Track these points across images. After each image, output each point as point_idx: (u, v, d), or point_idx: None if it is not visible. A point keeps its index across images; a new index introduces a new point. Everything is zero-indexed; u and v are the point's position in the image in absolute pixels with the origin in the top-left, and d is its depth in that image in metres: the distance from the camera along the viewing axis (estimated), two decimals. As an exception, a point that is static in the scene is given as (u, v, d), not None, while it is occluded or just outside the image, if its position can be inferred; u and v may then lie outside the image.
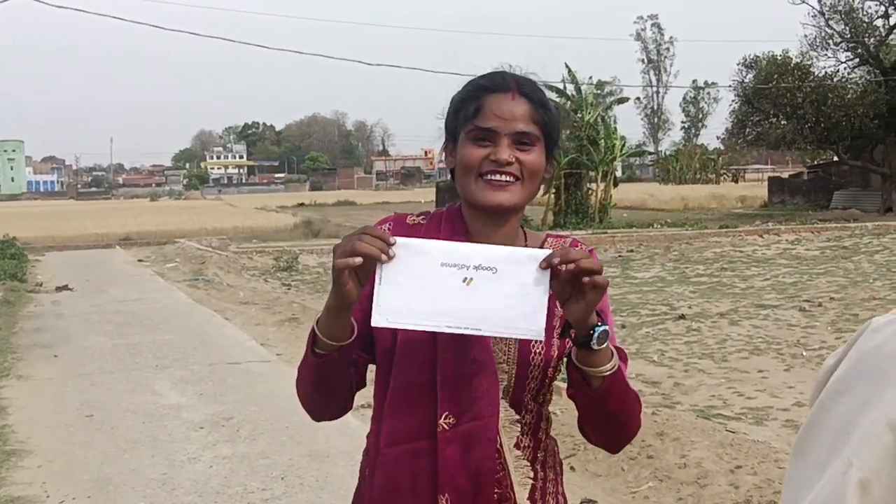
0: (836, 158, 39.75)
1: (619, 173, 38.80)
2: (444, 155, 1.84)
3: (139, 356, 9.47)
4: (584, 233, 28.05)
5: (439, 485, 1.67)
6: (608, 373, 1.63)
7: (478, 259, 1.56)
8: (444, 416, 1.67)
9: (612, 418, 1.72)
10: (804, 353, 9.94)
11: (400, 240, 1.57)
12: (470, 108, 1.72)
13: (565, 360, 1.75)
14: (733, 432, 5.96)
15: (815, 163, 48.83)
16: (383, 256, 1.53)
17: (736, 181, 77.01)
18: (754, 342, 10.71)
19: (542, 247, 1.82)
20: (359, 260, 1.51)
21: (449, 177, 1.87)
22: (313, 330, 1.65)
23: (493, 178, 1.70)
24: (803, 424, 0.92)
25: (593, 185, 33.24)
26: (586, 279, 1.52)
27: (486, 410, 1.68)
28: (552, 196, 32.59)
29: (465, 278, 1.55)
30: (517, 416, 1.72)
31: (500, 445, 1.70)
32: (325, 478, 5.39)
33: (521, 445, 1.72)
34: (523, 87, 1.73)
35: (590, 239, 25.92)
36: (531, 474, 1.74)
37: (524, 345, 1.72)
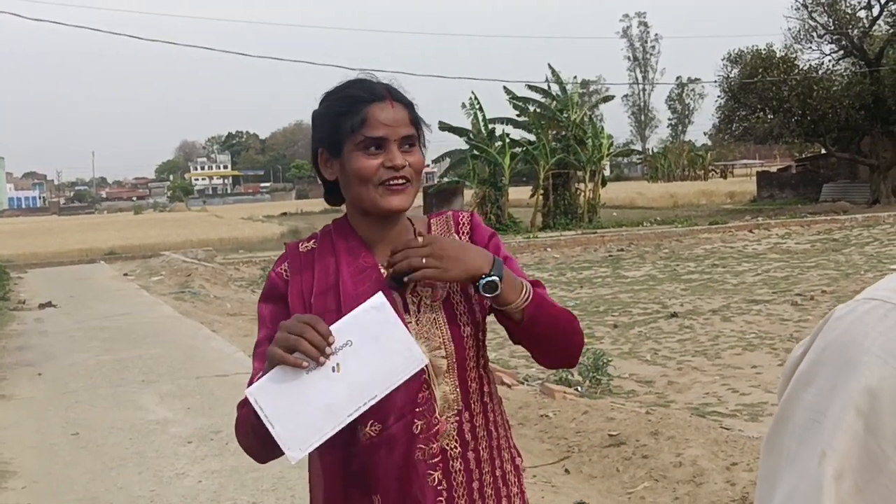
0: (823, 151, 39.82)
1: (607, 172, 38.82)
2: (318, 166, 1.88)
3: (125, 372, 9.34)
4: (573, 233, 28.05)
5: (370, 487, 1.74)
6: (523, 305, 1.73)
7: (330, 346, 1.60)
8: (369, 423, 1.72)
9: (549, 338, 1.80)
10: (797, 348, 9.92)
11: (257, 388, 1.60)
12: (355, 121, 1.77)
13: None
14: (728, 429, 5.89)
15: (803, 156, 48.93)
16: (321, 359, 1.60)
17: (724, 177, 77.20)
18: (747, 338, 10.69)
19: (428, 229, 1.91)
20: (294, 362, 1.59)
21: (323, 188, 1.92)
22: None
23: (392, 183, 1.77)
24: (773, 419, 0.90)
25: (581, 185, 33.24)
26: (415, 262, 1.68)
27: (407, 409, 1.73)
28: (540, 197, 32.59)
29: (333, 368, 1.59)
30: (458, 402, 1.78)
31: (436, 436, 1.75)
32: (315, 490, 5.26)
33: (475, 413, 1.80)
34: (395, 94, 1.81)
35: (579, 239, 25.94)
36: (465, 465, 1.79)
37: (452, 322, 1.79)
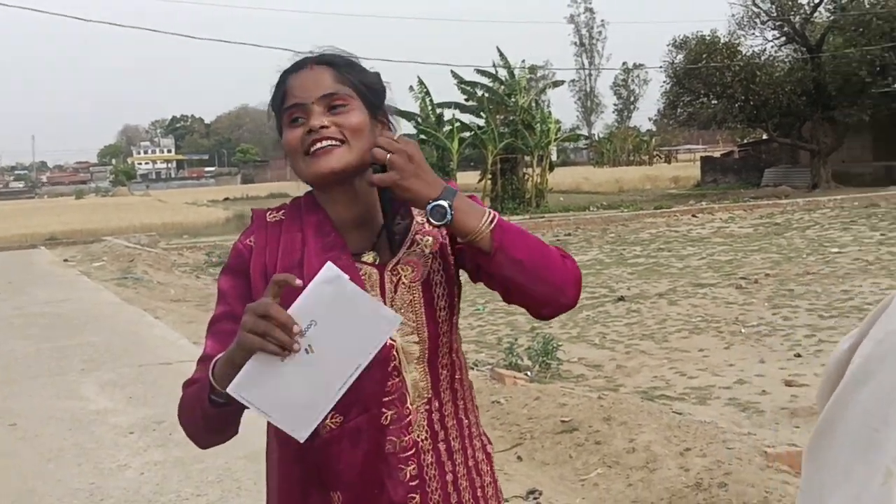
0: (765, 136, 40.37)
1: (554, 157, 38.95)
2: (278, 142, 1.76)
3: (65, 360, 9.08)
4: (521, 218, 28.07)
5: (328, 482, 1.64)
6: (487, 228, 1.58)
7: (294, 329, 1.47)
8: (329, 415, 1.57)
9: (532, 267, 1.60)
10: (743, 331, 10.01)
11: (237, 384, 1.46)
12: (278, 95, 1.71)
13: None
14: (680, 414, 5.89)
15: (746, 141, 49.61)
16: (286, 353, 1.45)
17: (669, 162, 77.99)
18: (694, 321, 10.76)
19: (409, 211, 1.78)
20: (275, 350, 1.45)
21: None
22: (209, 381, 1.55)
23: (315, 148, 1.64)
24: (816, 427, 0.75)
25: (529, 170, 33.30)
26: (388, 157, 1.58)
27: (373, 402, 1.63)
28: (488, 182, 32.59)
29: (305, 350, 1.46)
30: (428, 390, 1.68)
31: (409, 428, 1.65)
32: (262, 480, 5.09)
33: (444, 401, 1.70)
34: (322, 56, 1.71)
35: (527, 223, 25.96)
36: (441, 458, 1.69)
37: (429, 305, 1.68)
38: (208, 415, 1.58)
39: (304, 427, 1.49)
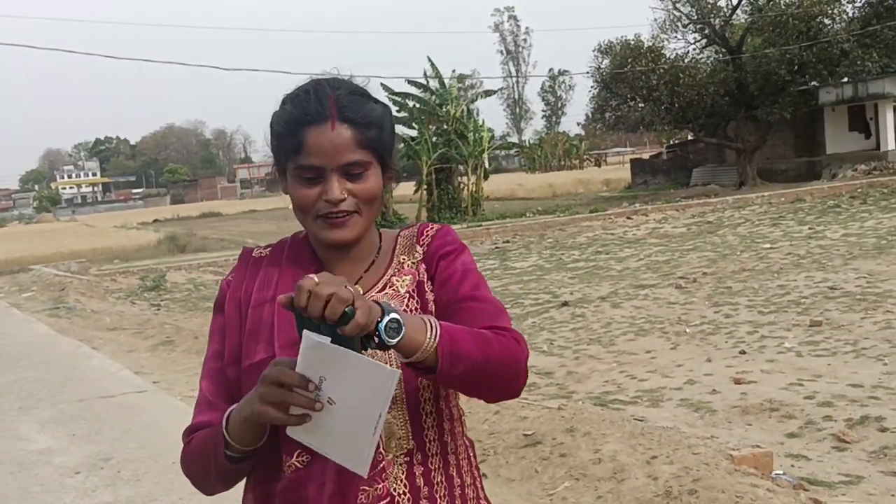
0: (691, 137, 41.11)
1: (486, 165, 39.09)
2: (281, 184, 1.68)
3: (0, 398, 8.70)
4: (459, 227, 28.02)
5: None
6: (433, 343, 1.43)
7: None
8: (295, 454, 1.53)
9: (481, 377, 1.50)
10: (687, 330, 10.10)
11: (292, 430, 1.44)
12: (289, 145, 1.59)
13: None
14: (642, 420, 5.86)
15: (673, 142, 50.47)
16: (317, 406, 1.39)
17: (599, 165, 79.08)
18: (638, 323, 10.82)
19: (396, 241, 1.71)
20: (292, 420, 1.40)
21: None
22: (224, 437, 1.51)
23: (329, 217, 1.59)
24: None
25: (464, 179, 33.35)
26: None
27: None
28: (424, 192, 32.54)
29: (329, 402, 1.39)
30: (408, 439, 1.56)
31: (382, 475, 1.53)
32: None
33: (430, 454, 1.58)
34: (344, 110, 1.57)
35: (465, 232, 25.94)
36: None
37: None
38: (223, 470, 1.55)
39: (361, 463, 1.41)
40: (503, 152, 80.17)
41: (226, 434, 1.51)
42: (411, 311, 1.61)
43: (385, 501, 1.53)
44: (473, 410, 5.94)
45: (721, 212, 25.96)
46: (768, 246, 17.09)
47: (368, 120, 1.59)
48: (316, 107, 1.56)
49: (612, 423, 5.38)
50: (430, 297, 1.64)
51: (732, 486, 4.30)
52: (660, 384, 7.99)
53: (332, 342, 1.35)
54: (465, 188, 33.30)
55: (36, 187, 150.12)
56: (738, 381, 7.75)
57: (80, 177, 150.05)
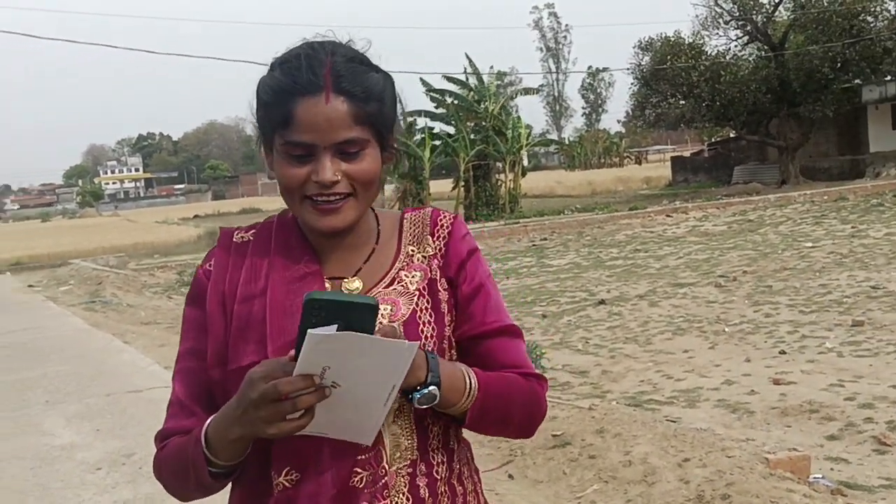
0: (733, 134, 40.59)
1: (525, 162, 38.90)
2: (264, 161, 1.51)
3: (28, 392, 8.69)
4: (496, 224, 27.92)
5: None
6: (466, 406, 1.41)
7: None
8: (284, 472, 1.39)
9: (501, 426, 1.51)
10: (726, 329, 9.89)
11: None
12: (277, 117, 1.40)
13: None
14: (674, 422, 5.67)
15: (714, 140, 49.93)
16: (326, 392, 1.27)
17: (639, 163, 78.47)
18: (676, 322, 10.62)
19: (400, 225, 1.57)
20: (304, 422, 1.28)
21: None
22: (204, 454, 1.37)
23: (320, 201, 1.42)
24: None
25: (502, 176, 33.19)
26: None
27: (340, 455, 1.38)
28: (462, 189, 32.43)
29: (333, 386, 1.27)
30: (413, 450, 1.45)
31: (384, 492, 1.41)
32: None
33: (435, 463, 1.46)
34: (340, 80, 1.39)
35: (502, 230, 25.81)
36: None
37: (411, 338, 1.39)
38: (205, 484, 1.41)
39: (365, 435, 1.34)
40: (542, 150, 79.80)
41: (207, 453, 1.37)
42: (422, 310, 1.47)
43: None
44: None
45: (763, 210, 25.59)
46: (810, 245, 16.79)
47: (368, 92, 1.41)
48: (308, 75, 1.38)
49: (643, 424, 5.20)
50: (442, 296, 1.50)
51: (767, 491, 4.11)
52: (697, 384, 7.80)
53: (339, 328, 1.22)
54: (503, 185, 33.12)
55: (79, 182, 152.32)
56: (777, 382, 7.56)
57: (122, 172, 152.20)
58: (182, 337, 1.53)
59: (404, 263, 1.52)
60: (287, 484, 1.39)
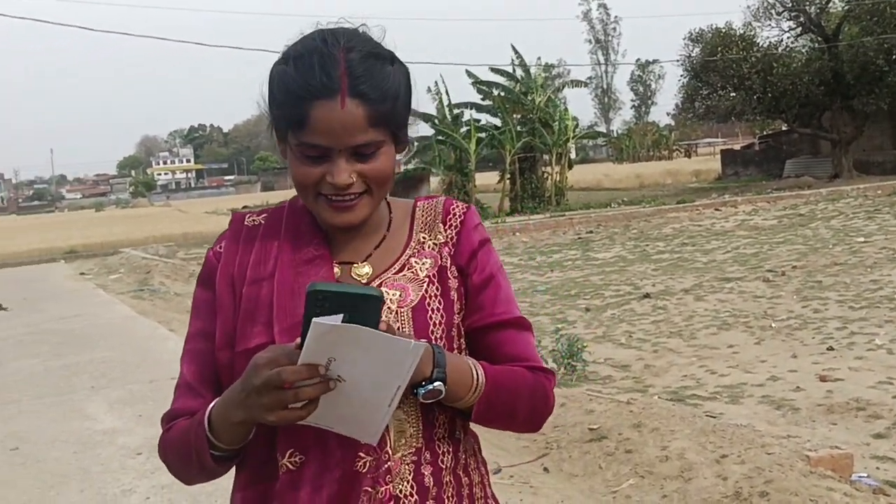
0: (785, 127, 39.98)
1: (573, 155, 38.65)
2: (275, 144, 1.49)
3: (74, 378, 8.87)
4: (541, 216, 27.80)
5: None
6: (472, 400, 1.42)
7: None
8: (287, 453, 1.39)
9: (507, 420, 1.51)
10: (773, 325, 9.73)
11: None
12: (291, 117, 1.39)
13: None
14: (714, 417, 5.58)
15: (766, 133, 49.21)
16: (331, 385, 1.26)
17: (689, 156, 77.65)
18: (722, 317, 10.48)
19: (413, 213, 1.57)
20: (304, 413, 1.28)
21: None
22: (207, 438, 1.38)
23: (335, 199, 1.42)
24: None
25: (548, 169, 33.02)
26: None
27: (345, 442, 1.37)
28: (507, 181, 32.34)
29: (338, 380, 1.27)
30: (418, 437, 1.44)
31: (386, 478, 1.40)
32: None
33: (441, 452, 1.46)
34: (356, 83, 1.37)
35: (547, 222, 25.71)
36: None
37: (421, 335, 1.42)
38: (210, 469, 1.42)
39: (371, 434, 1.34)
40: (591, 143, 79.36)
41: (210, 436, 1.37)
42: (430, 297, 1.46)
43: None
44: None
45: (814, 204, 25.18)
46: (862, 240, 16.47)
47: (384, 93, 1.39)
48: (322, 79, 1.35)
49: (681, 419, 5.13)
50: (452, 283, 1.50)
51: (807, 489, 4.03)
52: (741, 380, 7.69)
53: (343, 320, 1.21)
54: (549, 178, 32.94)
55: (132, 173, 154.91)
56: (823, 379, 7.41)
57: (174, 163, 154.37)
58: (191, 318, 1.54)
59: (415, 250, 1.52)
60: (291, 466, 1.39)
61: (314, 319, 1.20)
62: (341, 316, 1.21)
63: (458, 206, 1.56)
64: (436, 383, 1.35)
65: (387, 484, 1.39)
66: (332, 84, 1.35)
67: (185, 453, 1.43)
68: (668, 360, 8.67)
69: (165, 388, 7.89)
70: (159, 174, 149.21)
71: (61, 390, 8.38)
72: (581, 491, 4.71)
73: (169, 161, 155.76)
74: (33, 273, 24.14)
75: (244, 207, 58.86)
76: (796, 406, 6.72)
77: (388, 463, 1.39)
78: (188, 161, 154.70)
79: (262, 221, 1.55)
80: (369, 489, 1.37)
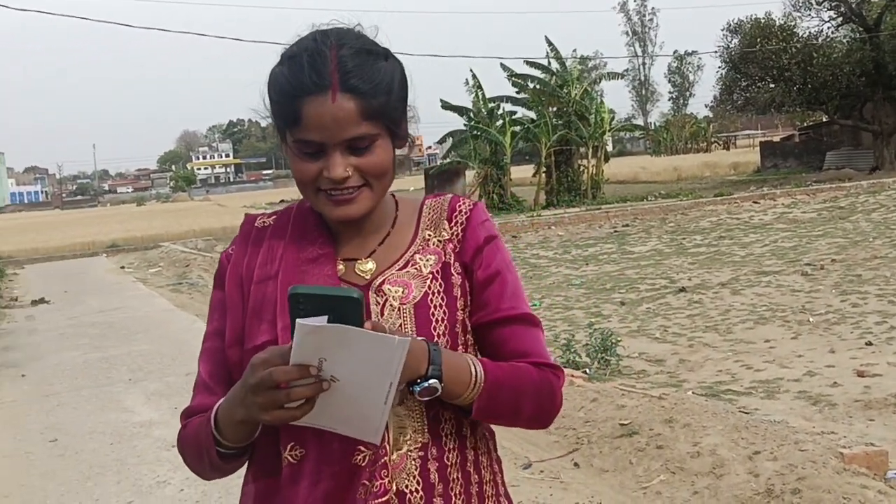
0: (825, 119, 39.43)
1: (609, 148, 38.40)
2: (279, 144, 1.52)
3: (112, 370, 9.01)
4: (577, 210, 27.67)
5: None
6: (472, 397, 1.42)
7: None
8: (289, 447, 1.41)
9: (510, 418, 1.50)
10: (811, 319, 9.61)
11: None
12: (286, 116, 1.43)
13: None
14: (747, 413, 5.53)
15: (806, 125, 48.58)
16: (325, 385, 1.27)
17: (727, 148, 76.76)
18: (758, 311, 10.37)
19: (420, 211, 1.58)
20: (298, 415, 1.29)
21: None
22: (213, 435, 1.42)
23: (333, 194, 1.44)
24: None
25: (584, 162, 32.82)
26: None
27: (341, 437, 1.37)
28: (543, 175, 32.19)
29: (332, 380, 1.28)
30: (424, 432, 1.45)
31: (383, 471, 1.40)
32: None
33: (447, 449, 1.47)
34: (346, 77, 1.39)
35: (583, 215, 25.58)
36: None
37: (423, 330, 1.44)
38: (219, 466, 1.47)
39: (373, 434, 1.34)
40: (628, 135, 78.64)
41: (215, 434, 1.41)
42: (433, 293, 1.48)
43: (384, 499, 1.39)
44: (569, 397, 5.74)
45: (854, 197, 24.81)
46: (904, 233, 16.21)
47: (375, 86, 1.41)
48: (311, 75, 1.38)
49: (714, 414, 5.09)
50: (455, 280, 1.51)
51: (840, 487, 3.98)
52: (777, 375, 7.60)
53: (328, 321, 1.23)
54: (585, 171, 32.75)
55: (173, 168, 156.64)
56: (861, 374, 7.31)
57: (213, 158, 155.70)
58: (208, 318, 1.58)
59: (420, 247, 1.53)
60: (292, 459, 1.41)
61: (298, 321, 1.23)
62: (326, 317, 1.23)
63: (464, 204, 1.57)
64: (431, 381, 1.36)
65: (383, 478, 1.39)
66: (322, 81, 1.38)
67: (197, 449, 1.48)
68: (704, 354, 8.60)
69: (201, 382, 8.01)
70: (199, 169, 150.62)
71: (100, 382, 8.52)
72: (611, 486, 4.69)
73: (208, 156, 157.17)
74: (75, 267, 24.50)
75: (281, 201, 59.05)
76: (833, 402, 6.64)
77: (385, 458, 1.40)
78: (227, 156, 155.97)
79: (272, 223, 1.58)
80: (367, 483, 1.39)
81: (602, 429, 5.29)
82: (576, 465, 5.03)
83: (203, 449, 1.45)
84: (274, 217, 1.59)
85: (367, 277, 1.49)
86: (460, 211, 1.55)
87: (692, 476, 4.50)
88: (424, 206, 1.59)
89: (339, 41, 1.43)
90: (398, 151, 1.51)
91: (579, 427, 5.36)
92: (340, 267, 1.49)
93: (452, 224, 1.54)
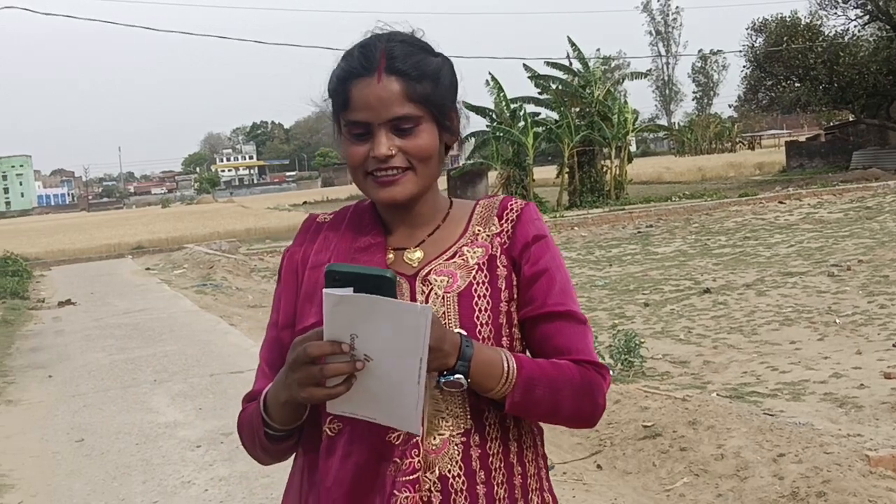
0: (852, 118, 39.10)
1: (633, 148, 38.24)
2: (336, 138, 1.61)
3: (137, 371, 9.07)
4: (600, 210, 27.60)
5: (321, 500, 1.47)
6: (504, 392, 1.43)
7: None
8: (328, 420, 1.47)
9: (549, 416, 1.50)
10: (837, 321, 9.53)
11: (331, 404, 1.37)
12: (338, 100, 1.53)
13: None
14: (772, 415, 5.48)
15: (832, 124, 48.20)
16: (358, 365, 1.31)
17: (752, 148, 76.23)
18: (784, 312, 10.30)
19: (472, 212, 1.62)
20: (336, 391, 1.32)
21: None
22: (262, 417, 1.49)
23: (379, 175, 1.51)
24: None
25: (607, 162, 32.71)
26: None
27: None
28: (566, 175, 32.11)
29: (366, 359, 1.31)
30: (467, 419, 1.47)
31: (414, 450, 1.43)
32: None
33: (489, 438, 1.49)
34: (394, 61, 1.49)
35: (606, 216, 25.51)
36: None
37: (466, 319, 1.48)
38: (268, 448, 1.54)
39: (412, 422, 1.36)
40: (652, 136, 78.25)
41: (265, 416, 1.48)
42: (478, 283, 1.52)
43: (412, 476, 1.42)
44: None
45: (882, 197, 24.58)
46: (932, 233, 16.05)
47: (420, 71, 1.49)
48: (363, 60, 1.49)
49: (738, 416, 5.06)
50: (501, 272, 1.54)
51: (865, 490, 3.95)
52: (803, 377, 7.54)
53: (355, 291, 1.27)
54: (609, 171, 32.64)
55: (197, 170, 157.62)
56: (889, 376, 7.25)
57: (237, 160, 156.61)
58: (271, 310, 1.67)
59: (469, 240, 1.57)
60: (330, 432, 1.47)
61: (325, 290, 1.28)
62: (352, 288, 1.27)
63: (516, 203, 1.61)
64: (456, 375, 1.39)
65: (413, 457, 1.42)
66: (370, 64, 1.48)
67: (250, 431, 1.55)
68: (728, 356, 8.55)
69: (225, 382, 8.04)
70: (223, 171, 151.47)
71: (125, 383, 8.58)
72: (634, 489, 4.67)
73: (232, 158, 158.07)
74: (101, 268, 24.71)
75: (305, 203, 59.31)
76: (860, 404, 6.57)
77: (415, 438, 1.42)
78: (251, 158, 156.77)
79: (330, 218, 1.67)
80: (397, 460, 1.42)
81: (625, 431, 5.27)
82: (599, 466, 5.02)
83: (254, 431, 1.52)
84: (333, 214, 1.68)
85: (415, 266, 1.54)
86: (511, 209, 1.60)
87: (716, 478, 4.48)
88: (478, 206, 1.64)
89: (390, 37, 1.52)
90: (451, 151, 1.59)
91: (602, 429, 5.34)
92: (390, 256, 1.55)
93: (503, 221, 1.58)
